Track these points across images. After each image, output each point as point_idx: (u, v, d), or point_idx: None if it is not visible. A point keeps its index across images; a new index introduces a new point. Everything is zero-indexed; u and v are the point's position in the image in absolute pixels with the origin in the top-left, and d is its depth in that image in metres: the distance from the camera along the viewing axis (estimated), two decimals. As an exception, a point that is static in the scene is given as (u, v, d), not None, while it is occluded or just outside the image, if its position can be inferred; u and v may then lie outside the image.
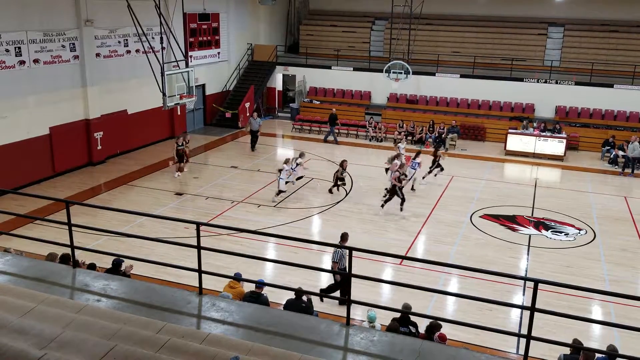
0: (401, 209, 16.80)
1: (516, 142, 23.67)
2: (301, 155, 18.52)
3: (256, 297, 9.09)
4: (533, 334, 5.64)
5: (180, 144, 19.43)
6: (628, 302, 11.54)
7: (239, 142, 25.04)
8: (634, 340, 10.32)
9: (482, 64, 28.18)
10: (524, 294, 12.37)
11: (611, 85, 24.88)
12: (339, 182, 17.95)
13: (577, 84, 25.24)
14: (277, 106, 30.74)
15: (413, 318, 9.01)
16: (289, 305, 9.03)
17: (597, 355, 7.74)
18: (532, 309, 5.45)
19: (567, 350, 8.11)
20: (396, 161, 17.49)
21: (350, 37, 32.09)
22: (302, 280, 11.99)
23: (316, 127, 26.76)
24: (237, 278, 9.00)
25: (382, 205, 16.78)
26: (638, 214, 17.24)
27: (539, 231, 15.87)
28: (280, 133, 27.31)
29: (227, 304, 6.41)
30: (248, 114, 26.24)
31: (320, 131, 26.47)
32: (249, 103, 27.53)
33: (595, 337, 10.77)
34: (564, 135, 23.36)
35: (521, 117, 25.55)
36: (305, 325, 5.99)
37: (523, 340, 10.20)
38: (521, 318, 11.37)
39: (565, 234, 15.67)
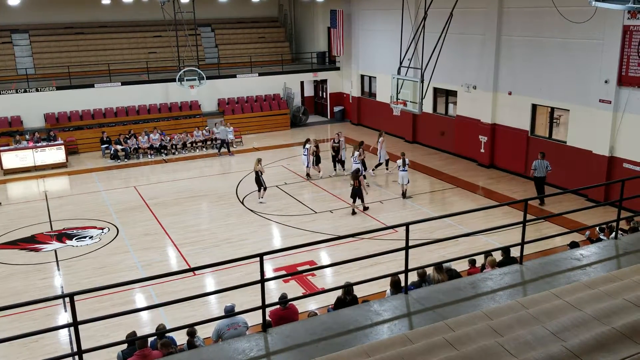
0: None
1: (12, 159, 21.92)
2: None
3: None
4: (87, 344, 5.34)
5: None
6: (163, 279, 12.42)
7: None
8: (174, 312, 11.05)
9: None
10: (66, 311, 11.74)
11: (92, 85, 25.64)
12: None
13: (58, 88, 25.00)
14: None
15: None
16: None
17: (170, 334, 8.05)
18: (75, 323, 5.10)
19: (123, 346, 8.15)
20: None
21: None
22: None
23: None
24: None
25: None
26: (149, 198, 18.65)
27: (64, 243, 15.28)
28: None
29: None
30: None
31: None
32: None
33: (146, 322, 11.19)
34: (61, 142, 22.93)
35: (10, 131, 23.69)
36: None
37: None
38: (70, 336, 10.77)
39: (90, 237, 15.58)
